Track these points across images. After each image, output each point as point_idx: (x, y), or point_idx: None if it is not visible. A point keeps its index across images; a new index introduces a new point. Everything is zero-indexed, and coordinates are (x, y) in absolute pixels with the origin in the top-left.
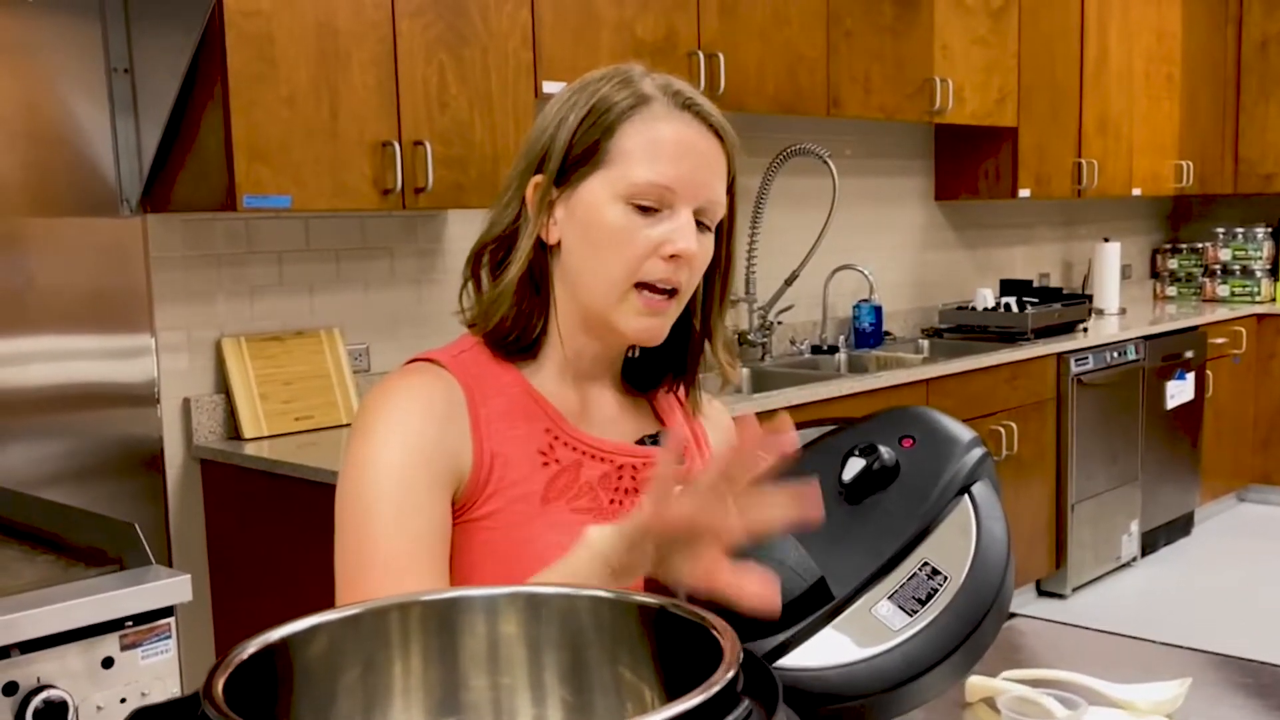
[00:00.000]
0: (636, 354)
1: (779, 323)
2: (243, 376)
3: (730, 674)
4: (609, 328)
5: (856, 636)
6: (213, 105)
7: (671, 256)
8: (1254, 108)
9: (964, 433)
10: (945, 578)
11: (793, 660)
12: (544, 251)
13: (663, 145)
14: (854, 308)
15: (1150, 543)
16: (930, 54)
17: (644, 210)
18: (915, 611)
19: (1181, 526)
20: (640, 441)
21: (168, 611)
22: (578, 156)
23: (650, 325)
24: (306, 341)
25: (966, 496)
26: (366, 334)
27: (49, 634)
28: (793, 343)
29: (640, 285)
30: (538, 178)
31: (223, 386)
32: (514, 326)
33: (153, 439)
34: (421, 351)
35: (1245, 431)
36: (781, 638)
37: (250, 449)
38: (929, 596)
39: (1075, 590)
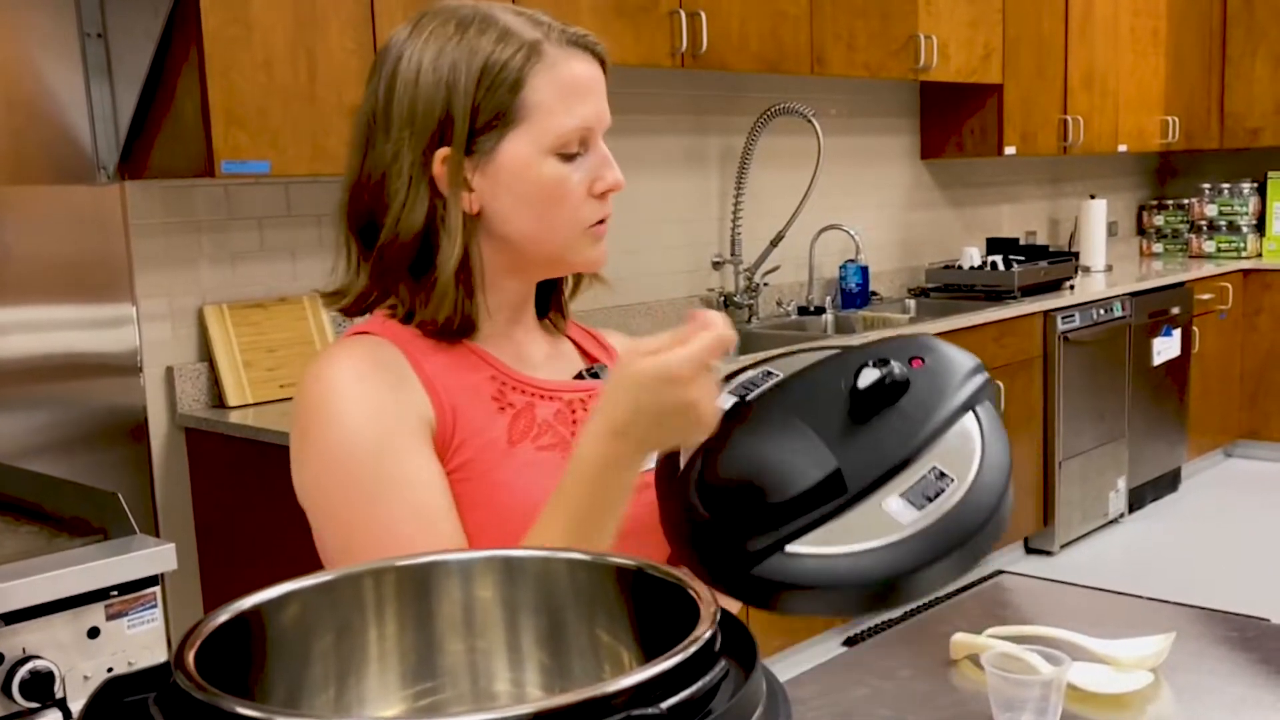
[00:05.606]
0: None
1: (765, 284)
2: (226, 344)
3: (707, 634)
4: (560, 265)
5: (866, 528)
6: (188, 69)
7: (604, 192)
8: (1240, 62)
9: (969, 358)
10: (953, 480)
11: (802, 547)
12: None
13: (571, 89)
14: (840, 268)
15: (1137, 499)
16: (915, 10)
17: (569, 157)
18: (924, 507)
19: (1169, 483)
20: (579, 376)
21: (153, 580)
22: (487, 120)
23: (600, 253)
24: (290, 308)
25: (972, 414)
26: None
27: (34, 604)
28: (779, 304)
29: (586, 228)
30: (444, 151)
31: (206, 354)
32: (458, 311)
33: (136, 408)
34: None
35: (1232, 387)
36: (795, 525)
37: (235, 417)
38: (937, 495)
39: (1063, 547)
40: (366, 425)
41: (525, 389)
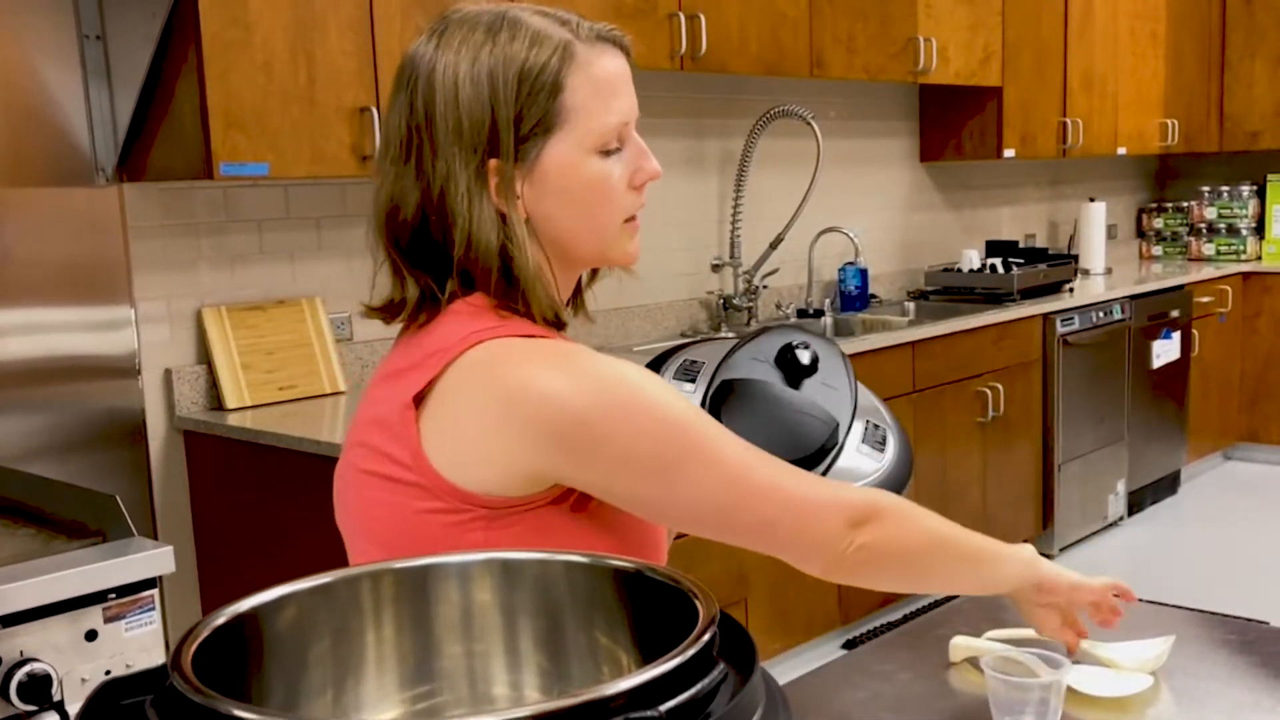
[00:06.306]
0: None
1: (764, 286)
2: (224, 346)
3: (706, 637)
4: (602, 261)
5: (856, 469)
6: (187, 72)
7: (644, 182)
8: (1239, 64)
9: (831, 340)
10: (884, 428)
11: None
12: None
13: (606, 86)
14: (839, 270)
15: (1137, 502)
16: (914, 12)
17: (609, 153)
18: (881, 449)
19: (1168, 485)
20: None
21: (151, 583)
22: (530, 127)
23: (637, 246)
24: (288, 310)
25: (858, 381)
26: (348, 302)
27: (32, 607)
28: (778, 307)
29: (625, 222)
30: (494, 163)
31: (204, 357)
32: (551, 309)
33: (135, 411)
34: (475, 332)
35: (1231, 390)
36: (821, 468)
37: (233, 419)
38: (884, 438)
39: (1063, 550)
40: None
41: None
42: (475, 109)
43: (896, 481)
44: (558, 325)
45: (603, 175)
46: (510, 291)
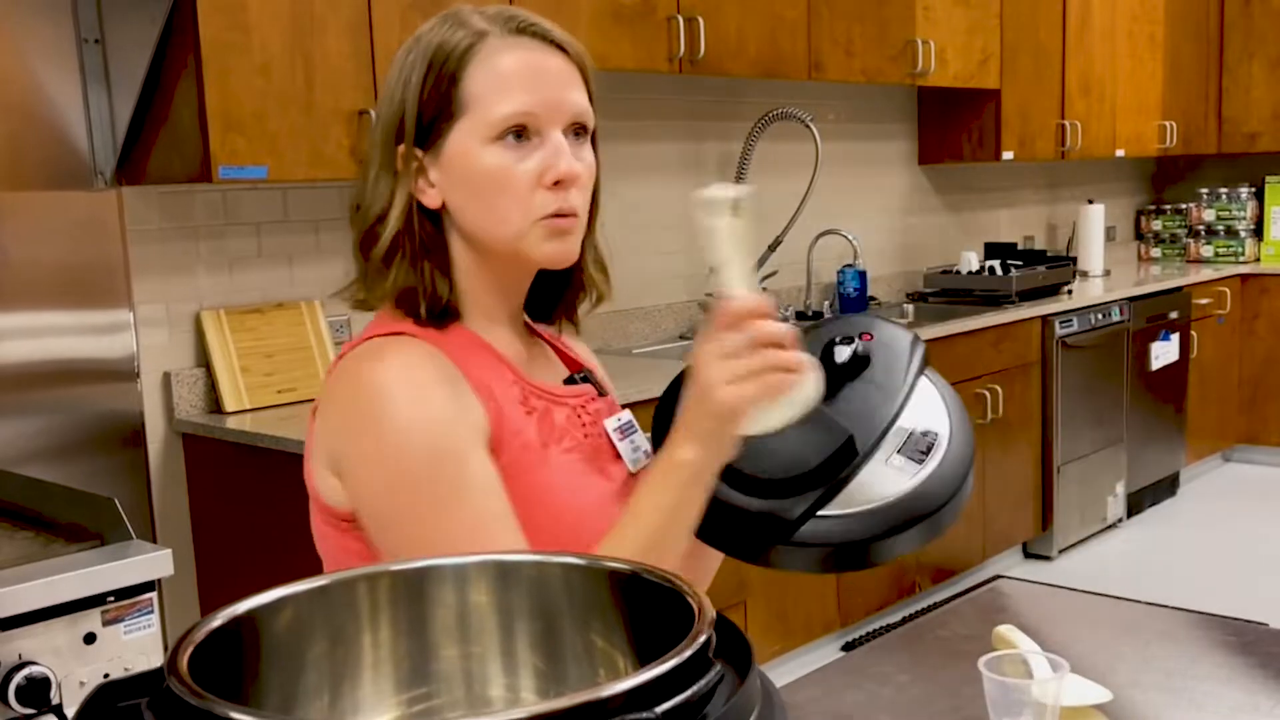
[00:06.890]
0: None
1: (763, 289)
2: (223, 349)
3: (702, 639)
4: (520, 258)
5: (879, 485)
6: (186, 75)
7: (555, 183)
8: (1237, 66)
9: (906, 330)
10: (936, 434)
11: (831, 509)
12: (427, 217)
13: (511, 75)
14: (838, 273)
15: (1136, 504)
16: (912, 15)
17: (516, 142)
18: (921, 459)
19: (1167, 487)
20: (569, 381)
21: (149, 586)
22: (433, 114)
23: (559, 248)
24: (287, 313)
25: (925, 377)
26: (347, 305)
27: (30, 610)
28: (777, 309)
29: (539, 220)
30: (401, 148)
31: (203, 360)
32: (422, 292)
33: (134, 414)
34: (363, 335)
35: (1230, 392)
36: (820, 490)
37: (232, 422)
38: (929, 448)
39: (1061, 552)
40: (427, 430)
41: (539, 393)
42: (394, 97)
43: (934, 497)
44: (430, 318)
45: (499, 166)
46: (368, 271)
